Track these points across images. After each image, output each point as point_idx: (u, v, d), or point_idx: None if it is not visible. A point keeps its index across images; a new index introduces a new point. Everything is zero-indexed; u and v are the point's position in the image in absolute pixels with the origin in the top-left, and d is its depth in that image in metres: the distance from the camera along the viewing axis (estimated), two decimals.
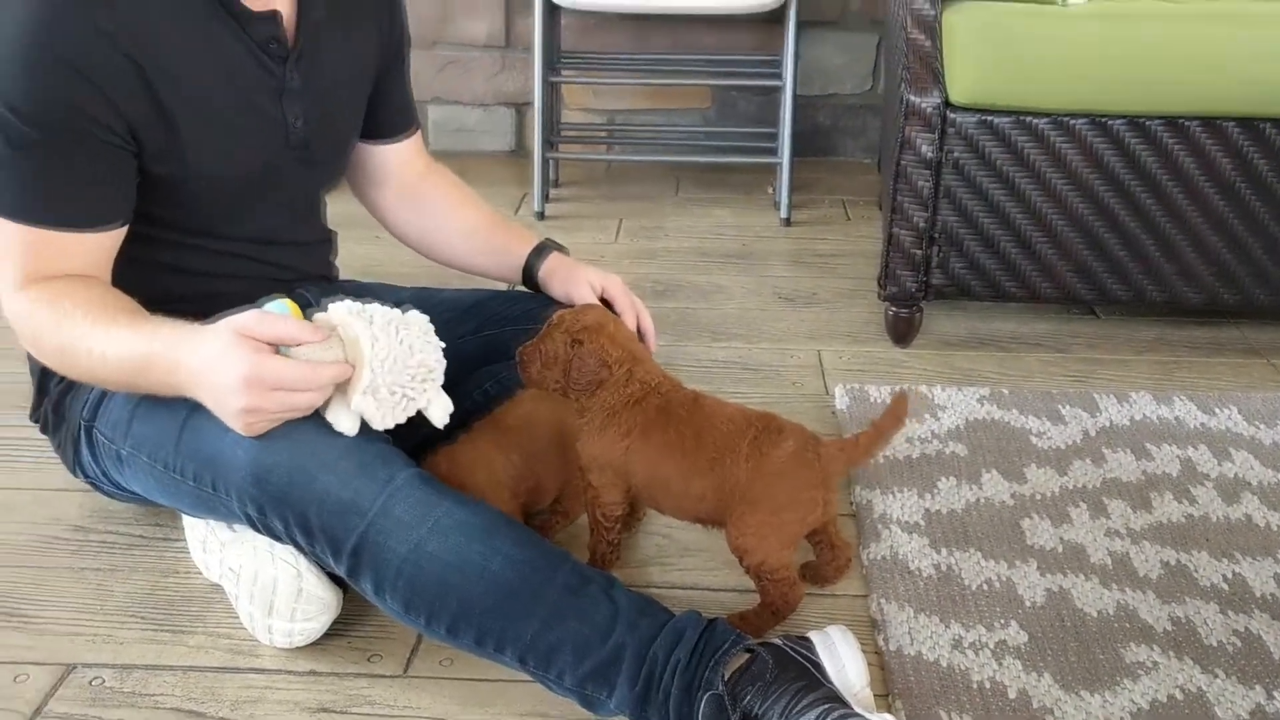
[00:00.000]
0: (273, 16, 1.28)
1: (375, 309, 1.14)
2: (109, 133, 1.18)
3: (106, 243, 1.23)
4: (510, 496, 1.33)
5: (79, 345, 1.17)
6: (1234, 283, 1.90)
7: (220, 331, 1.10)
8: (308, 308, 1.20)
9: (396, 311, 1.15)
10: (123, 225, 1.24)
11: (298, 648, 1.24)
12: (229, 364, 1.08)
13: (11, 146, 1.15)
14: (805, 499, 1.23)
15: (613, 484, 1.28)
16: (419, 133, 1.61)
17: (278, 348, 1.11)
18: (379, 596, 1.14)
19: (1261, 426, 1.70)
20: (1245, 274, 1.90)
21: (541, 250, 1.51)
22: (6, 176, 1.17)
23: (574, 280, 1.45)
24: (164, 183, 1.25)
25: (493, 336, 1.48)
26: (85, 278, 1.21)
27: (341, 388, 1.13)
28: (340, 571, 1.16)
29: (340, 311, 1.13)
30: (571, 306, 1.37)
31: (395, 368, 1.12)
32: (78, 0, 1.13)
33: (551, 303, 1.49)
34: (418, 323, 1.15)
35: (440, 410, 1.18)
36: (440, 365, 1.16)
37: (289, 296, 1.20)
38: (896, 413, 1.28)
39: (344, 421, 1.14)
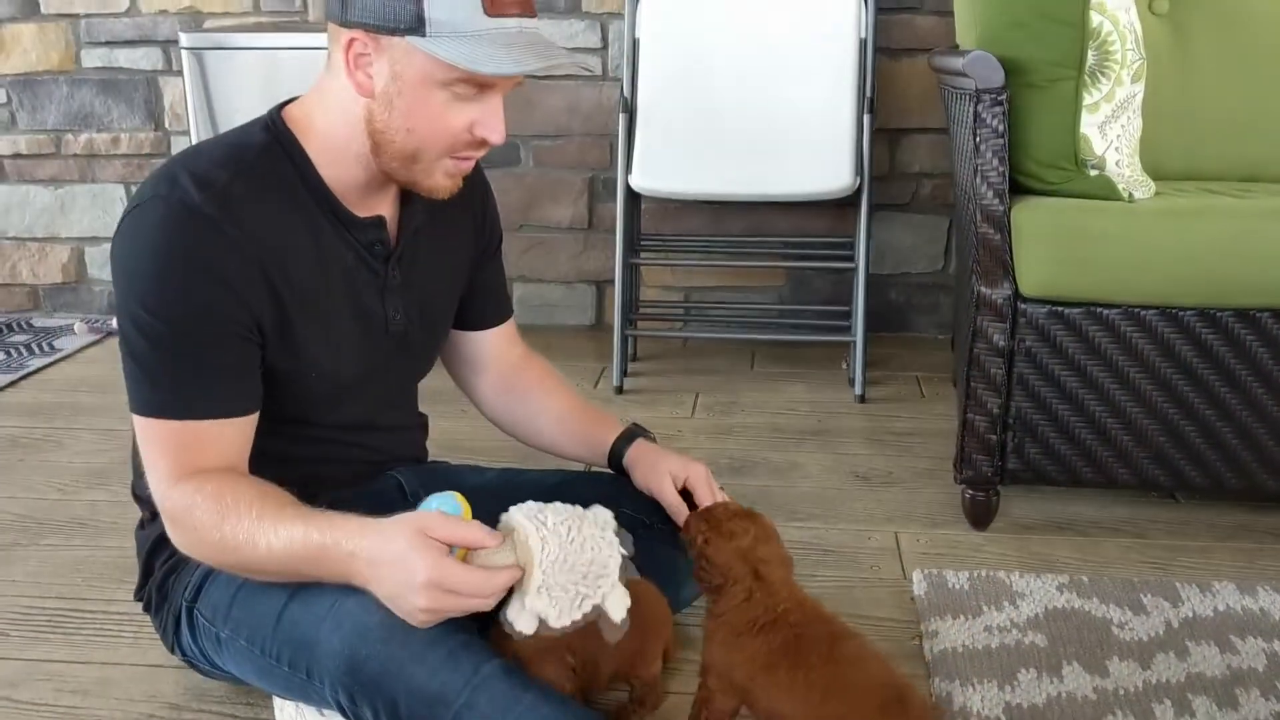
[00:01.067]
0: (378, 221, 1.37)
1: (554, 508, 1.19)
2: (240, 327, 1.26)
3: (244, 430, 1.31)
4: (570, 675, 1.35)
5: (242, 538, 1.22)
6: None
7: (404, 531, 1.16)
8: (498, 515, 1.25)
9: (576, 509, 1.20)
10: (256, 411, 1.32)
11: None
12: (412, 566, 1.13)
13: (152, 347, 1.24)
14: None
15: (728, 694, 1.28)
16: (512, 321, 1.69)
17: (452, 547, 1.16)
18: None
19: None
20: None
21: (629, 438, 1.56)
22: (147, 376, 1.26)
23: (655, 472, 1.50)
24: (272, 375, 1.34)
25: None
26: (234, 471, 1.28)
27: (517, 588, 1.17)
28: None
29: (517, 515, 1.18)
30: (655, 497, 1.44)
31: (565, 567, 1.16)
32: (207, 211, 1.22)
33: (624, 488, 1.53)
34: (595, 521, 1.20)
35: (617, 606, 1.20)
36: (615, 562, 1.19)
37: (461, 494, 1.25)
38: None
39: (521, 621, 1.17)
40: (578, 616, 1.18)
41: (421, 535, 1.15)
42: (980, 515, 2.01)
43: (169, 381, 1.26)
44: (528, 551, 1.16)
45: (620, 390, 2.75)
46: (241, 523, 1.23)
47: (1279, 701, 1.49)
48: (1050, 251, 1.83)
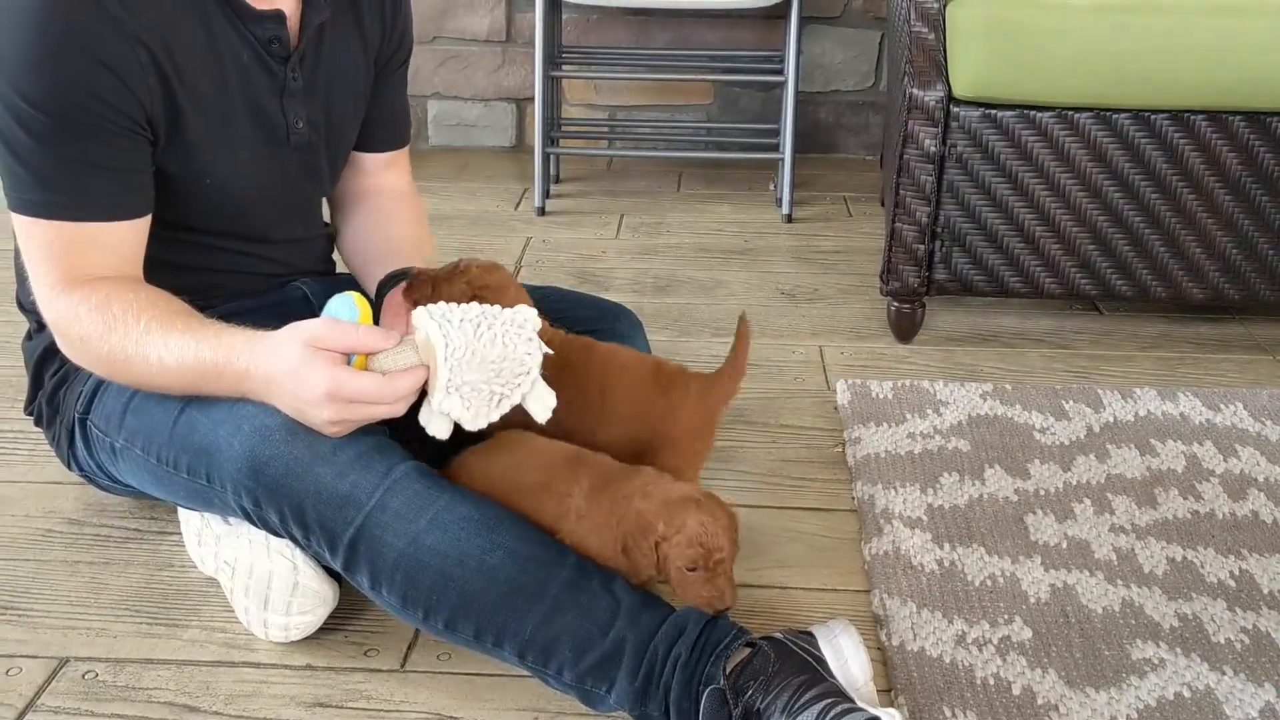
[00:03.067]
0: (276, 16, 1.25)
1: (466, 307, 1.12)
2: (129, 120, 1.16)
3: (137, 233, 1.22)
4: None
5: (132, 352, 1.15)
6: (1239, 278, 1.89)
7: (292, 343, 1.10)
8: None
9: (494, 308, 1.13)
10: (148, 214, 1.23)
11: (294, 642, 1.23)
12: (306, 380, 1.08)
13: (32, 140, 1.13)
14: (708, 430, 1.34)
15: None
16: (404, 153, 1.55)
17: (349, 356, 1.10)
18: (375, 591, 1.13)
19: (1268, 423, 1.69)
20: (1250, 270, 1.88)
21: (397, 279, 1.36)
22: (28, 172, 1.15)
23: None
24: (165, 178, 1.24)
25: None
26: (126, 279, 1.19)
27: (428, 389, 1.11)
28: (336, 565, 1.14)
29: (421, 314, 1.12)
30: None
31: (475, 363, 1.09)
32: None
33: (545, 300, 1.46)
34: (512, 319, 1.12)
35: (540, 405, 1.14)
36: (535, 359, 1.12)
37: (359, 293, 1.19)
38: (742, 337, 1.36)
39: (435, 424, 1.12)
40: (495, 418, 1.12)
41: (311, 347, 1.09)
42: (906, 328, 1.99)
43: (52, 179, 1.15)
44: (430, 349, 1.09)
45: (543, 212, 2.66)
46: (129, 334, 1.15)
47: (1197, 501, 1.50)
48: (985, 49, 1.76)
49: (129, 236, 1.21)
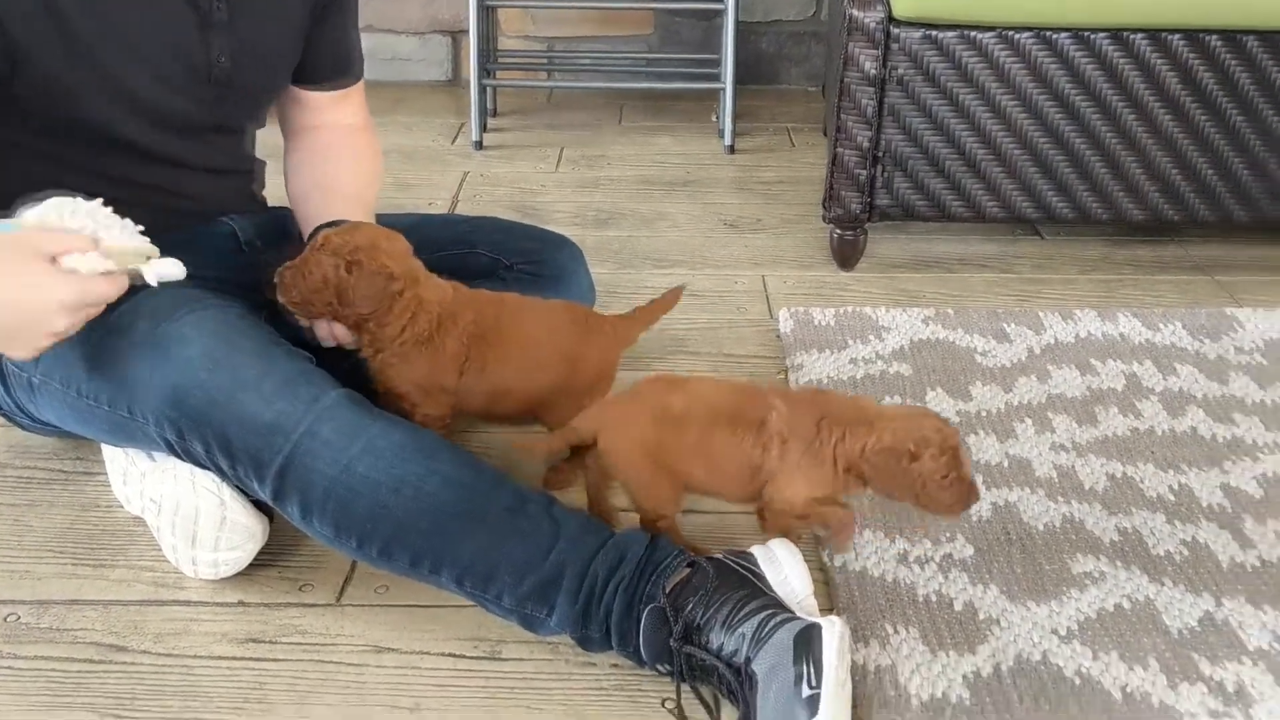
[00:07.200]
0: None
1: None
2: None
3: None
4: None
5: None
6: (1178, 198, 1.89)
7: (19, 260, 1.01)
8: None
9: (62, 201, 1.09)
10: None
11: (225, 579, 1.20)
12: (53, 291, 1.01)
13: None
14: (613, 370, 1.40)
15: (441, 403, 1.31)
16: (359, 88, 1.51)
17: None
18: (306, 520, 1.10)
19: (1206, 341, 1.69)
20: (1189, 189, 1.88)
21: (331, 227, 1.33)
22: None
23: None
24: (60, 89, 1.18)
25: (426, 261, 1.43)
26: None
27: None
28: (265, 496, 1.11)
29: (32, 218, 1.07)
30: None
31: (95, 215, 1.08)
32: None
33: (482, 230, 1.43)
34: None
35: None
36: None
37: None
38: (668, 302, 1.46)
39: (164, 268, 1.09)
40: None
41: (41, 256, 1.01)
42: (848, 255, 1.97)
43: None
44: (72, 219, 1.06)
45: (480, 146, 2.61)
46: None
47: (1136, 418, 1.51)
48: None
49: None
